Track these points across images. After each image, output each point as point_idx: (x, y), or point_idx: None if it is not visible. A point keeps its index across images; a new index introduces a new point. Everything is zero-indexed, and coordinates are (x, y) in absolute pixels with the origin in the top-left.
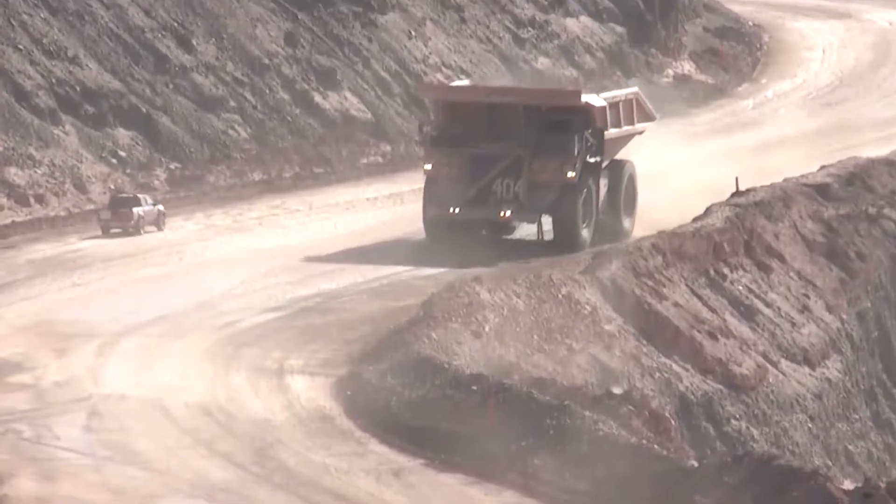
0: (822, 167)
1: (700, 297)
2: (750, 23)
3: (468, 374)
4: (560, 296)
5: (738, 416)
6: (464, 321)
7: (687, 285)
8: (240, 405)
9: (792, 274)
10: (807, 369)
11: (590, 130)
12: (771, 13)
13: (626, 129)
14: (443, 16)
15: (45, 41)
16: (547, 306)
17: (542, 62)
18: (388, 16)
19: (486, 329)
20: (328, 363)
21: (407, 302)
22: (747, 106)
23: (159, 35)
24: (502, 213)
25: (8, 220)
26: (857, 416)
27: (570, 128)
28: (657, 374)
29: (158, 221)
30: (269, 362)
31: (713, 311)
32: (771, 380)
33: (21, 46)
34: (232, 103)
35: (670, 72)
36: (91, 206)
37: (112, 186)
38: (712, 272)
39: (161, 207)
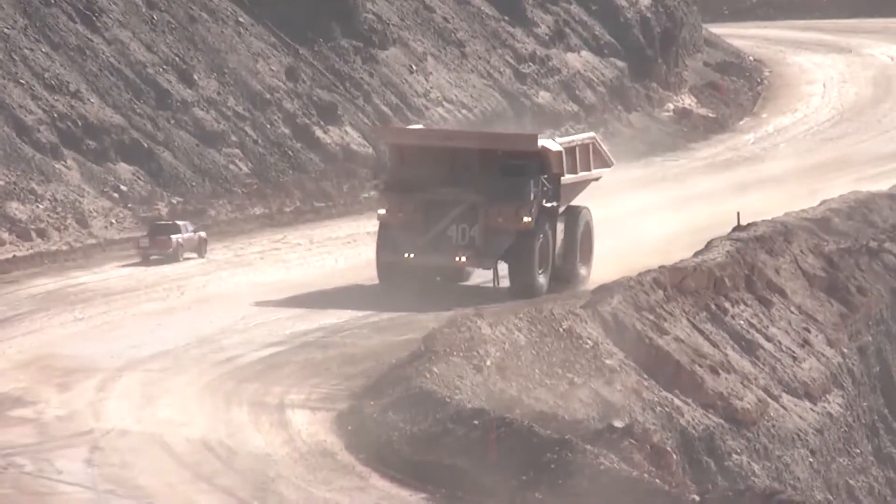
0: (823, 202)
1: (701, 332)
2: (751, 57)
3: (470, 408)
4: (561, 330)
5: (739, 451)
6: (465, 355)
7: (688, 320)
8: (241, 440)
9: (793, 308)
10: (808, 404)
11: (546, 175)
12: (772, 47)
13: (582, 174)
14: (444, 51)
15: (46, 76)
16: (548, 340)
17: (543, 97)
18: (388, 51)
19: (488, 363)
20: (329, 398)
21: (408, 336)
22: (748, 140)
23: (161, 70)
24: (458, 259)
25: (10, 255)
26: (858, 451)
27: (526, 172)
28: (658, 409)
29: (200, 248)
30: (270, 397)
31: (714, 345)
32: (772, 414)
33: (23, 81)
34: (233, 138)
35: (671, 106)
36: (92, 241)
37: (148, 215)
38: (713, 307)
39: (203, 234)
